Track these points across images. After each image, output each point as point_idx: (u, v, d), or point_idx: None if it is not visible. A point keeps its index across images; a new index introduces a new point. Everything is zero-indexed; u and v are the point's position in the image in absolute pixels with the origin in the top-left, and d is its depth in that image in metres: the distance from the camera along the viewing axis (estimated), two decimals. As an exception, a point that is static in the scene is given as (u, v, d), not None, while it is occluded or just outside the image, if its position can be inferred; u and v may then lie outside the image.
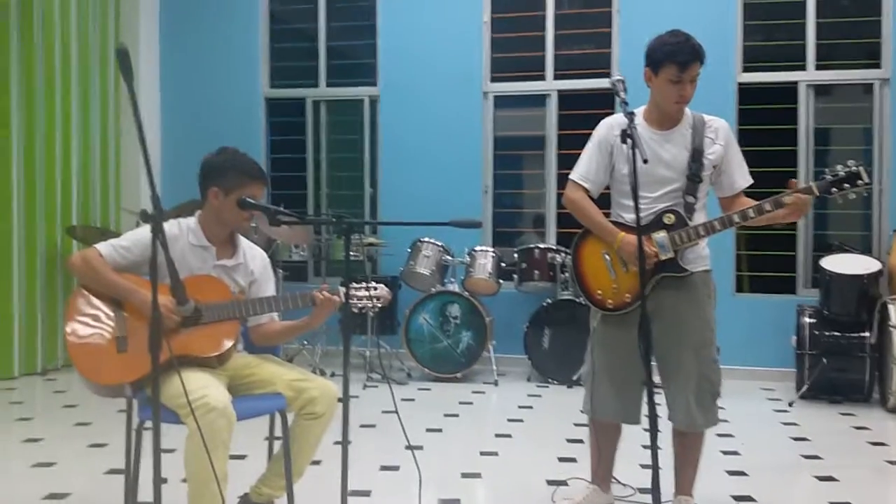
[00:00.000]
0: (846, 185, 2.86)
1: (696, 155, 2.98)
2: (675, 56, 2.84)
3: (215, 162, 2.88)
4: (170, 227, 2.85)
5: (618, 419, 3.16)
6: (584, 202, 3.10)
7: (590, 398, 3.14)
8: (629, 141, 2.60)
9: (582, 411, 3.22)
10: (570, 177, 3.15)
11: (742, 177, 3.08)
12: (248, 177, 2.86)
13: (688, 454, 3.12)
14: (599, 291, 3.07)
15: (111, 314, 2.76)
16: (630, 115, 2.62)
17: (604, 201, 3.16)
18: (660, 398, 2.72)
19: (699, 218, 3.02)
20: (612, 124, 3.08)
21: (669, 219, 2.97)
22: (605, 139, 3.08)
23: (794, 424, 4.84)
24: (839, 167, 2.88)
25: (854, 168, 2.86)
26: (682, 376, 3.01)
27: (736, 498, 3.46)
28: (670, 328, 2.98)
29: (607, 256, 3.06)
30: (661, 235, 2.95)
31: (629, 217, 3.01)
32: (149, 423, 2.32)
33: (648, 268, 2.86)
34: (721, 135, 3.03)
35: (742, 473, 3.84)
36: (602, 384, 3.10)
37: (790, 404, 5.29)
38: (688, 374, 3.00)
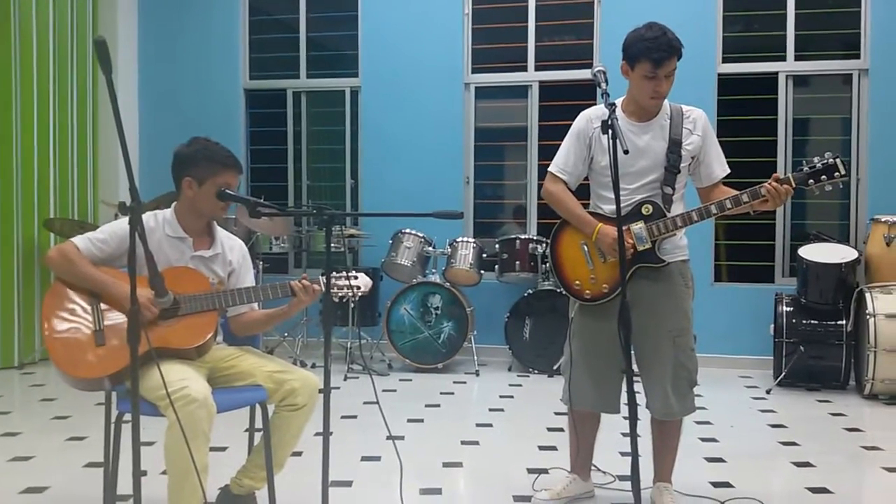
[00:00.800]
0: (823, 177, 2.89)
1: (674, 146, 2.99)
2: (649, 53, 2.84)
3: (187, 152, 2.87)
4: (146, 218, 2.85)
5: (596, 409, 3.18)
6: (562, 194, 3.11)
7: (568, 388, 3.16)
8: (610, 132, 2.59)
9: (561, 401, 3.24)
10: (549, 169, 3.16)
11: (720, 167, 3.09)
12: (220, 165, 2.85)
13: (666, 441, 3.16)
14: (577, 282, 3.09)
15: (89, 308, 2.74)
16: (611, 106, 2.61)
17: (583, 192, 3.17)
18: (638, 386, 2.74)
19: (677, 209, 3.03)
20: (590, 116, 3.09)
21: (647, 210, 2.98)
22: (583, 131, 3.08)
23: (772, 411, 4.90)
24: (816, 159, 2.91)
25: (831, 160, 2.89)
26: (659, 365, 3.04)
27: (714, 484, 3.49)
28: (647, 318, 2.99)
29: (585, 247, 3.08)
30: (638, 226, 2.97)
31: (608, 208, 3.03)
32: (128, 416, 2.31)
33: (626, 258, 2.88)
34: (699, 125, 3.04)
35: (720, 460, 3.88)
36: (580, 374, 3.12)
37: (768, 392, 5.35)
38: (664, 362, 3.03)
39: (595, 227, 3.00)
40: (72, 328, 2.70)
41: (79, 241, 2.79)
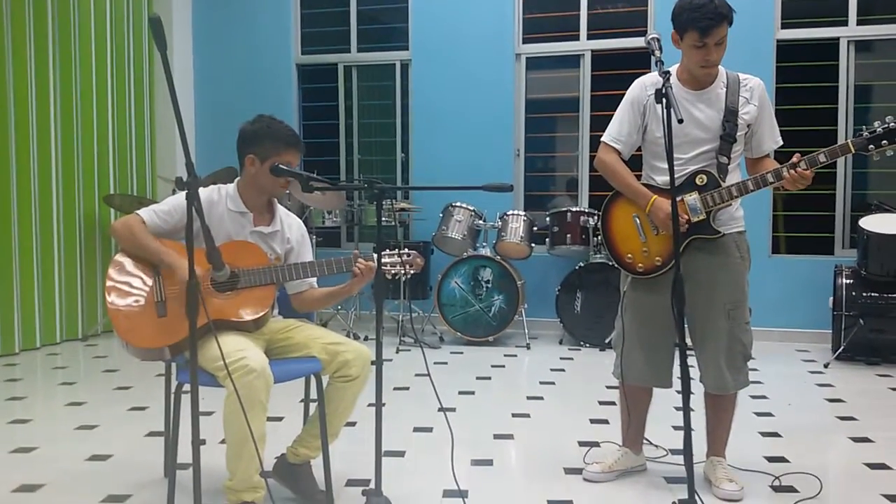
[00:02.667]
0: (884, 142, 2.80)
1: (730, 114, 2.93)
2: (696, 22, 2.77)
3: (251, 130, 2.91)
4: (209, 192, 2.91)
5: (648, 384, 3.16)
6: (616, 164, 3.07)
7: (620, 363, 3.14)
8: (664, 101, 2.53)
9: (613, 375, 3.22)
10: (602, 138, 3.12)
11: (771, 139, 3.02)
12: (283, 144, 2.89)
13: (720, 416, 3.12)
14: (629, 255, 3.06)
15: (150, 279, 2.81)
16: (665, 74, 2.55)
17: (635, 163, 3.13)
18: (692, 360, 2.71)
19: (733, 178, 2.97)
20: (645, 83, 3.03)
21: (702, 180, 2.93)
22: (638, 98, 3.03)
23: (830, 385, 4.81)
24: (877, 123, 2.82)
25: (892, 124, 2.80)
26: (713, 339, 3.00)
27: (769, 459, 3.45)
28: (702, 290, 2.95)
29: (637, 219, 3.04)
30: (692, 197, 2.92)
31: (661, 179, 2.99)
32: (187, 387, 2.37)
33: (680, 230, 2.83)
34: (756, 94, 2.97)
35: (776, 434, 3.83)
36: (632, 349, 3.10)
37: (826, 365, 5.25)
38: (719, 336, 2.99)
39: (650, 199, 2.96)
40: (134, 299, 2.78)
41: (144, 213, 2.86)
